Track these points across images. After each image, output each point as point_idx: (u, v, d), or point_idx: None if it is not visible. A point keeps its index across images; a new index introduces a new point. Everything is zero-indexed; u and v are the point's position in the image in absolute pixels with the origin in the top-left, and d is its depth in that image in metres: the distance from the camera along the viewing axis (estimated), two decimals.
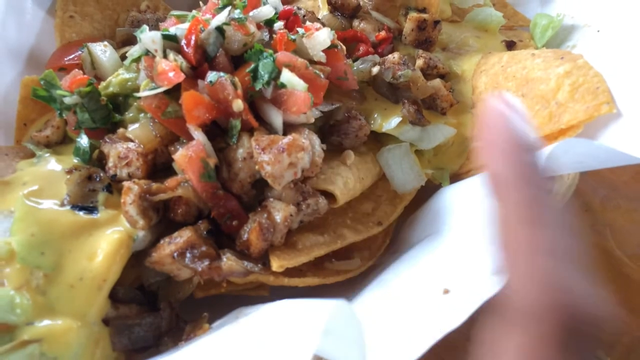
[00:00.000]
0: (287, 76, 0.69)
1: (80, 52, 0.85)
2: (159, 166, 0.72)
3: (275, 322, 0.51)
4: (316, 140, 0.71)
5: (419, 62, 0.87)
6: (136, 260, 0.68)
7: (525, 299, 0.34)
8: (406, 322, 0.54)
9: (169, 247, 0.64)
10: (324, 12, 0.93)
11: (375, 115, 0.81)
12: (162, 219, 0.69)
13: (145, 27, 0.73)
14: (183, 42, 0.72)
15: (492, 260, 0.56)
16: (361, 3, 0.93)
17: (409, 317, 0.55)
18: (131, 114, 0.74)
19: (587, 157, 0.65)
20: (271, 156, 0.66)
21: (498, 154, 0.40)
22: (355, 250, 0.77)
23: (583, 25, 0.98)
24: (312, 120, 0.72)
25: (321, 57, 0.76)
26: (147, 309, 0.67)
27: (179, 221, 0.68)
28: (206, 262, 0.63)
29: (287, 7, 0.86)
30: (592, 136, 0.73)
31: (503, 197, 0.39)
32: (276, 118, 0.69)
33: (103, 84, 0.77)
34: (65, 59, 0.87)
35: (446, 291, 0.57)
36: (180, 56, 0.71)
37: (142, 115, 0.73)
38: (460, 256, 0.61)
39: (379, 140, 0.83)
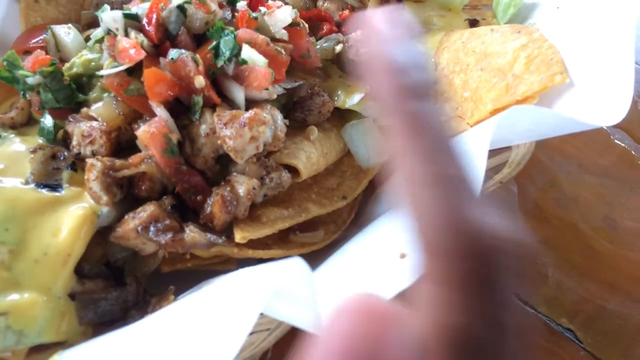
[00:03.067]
0: (247, 52, 0.70)
1: (44, 35, 0.85)
2: (123, 144, 0.73)
3: (229, 286, 0.52)
4: (278, 115, 0.72)
5: None
6: (102, 237, 0.69)
7: (428, 240, 0.30)
8: (361, 284, 0.56)
9: (132, 221, 0.65)
10: None
11: (339, 92, 0.83)
12: (127, 195, 0.70)
13: (106, 6, 0.74)
14: (145, 20, 0.73)
15: None
16: None
17: (364, 280, 0.57)
18: (95, 94, 0.74)
19: (539, 125, 0.67)
20: (233, 131, 0.67)
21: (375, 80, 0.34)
22: (320, 224, 0.79)
23: (543, 2, 1.01)
24: (275, 96, 0.73)
25: (283, 34, 0.77)
26: (113, 284, 0.68)
27: (144, 197, 0.69)
28: (169, 235, 0.64)
29: None
30: (548, 106, 0.75)
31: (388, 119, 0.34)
32: (238, 94, 0.71)
33: (67, 65, 0.77)
34: (30, 42, 0.87)
35: (402, 255, 0.59)
36: (141, 34, 0.72)
37: (105, 94, 0.74)
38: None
39: (343, 117, 0.84)
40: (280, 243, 0.73)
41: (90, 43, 0.78)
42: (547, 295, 0.96)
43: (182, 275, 0.72)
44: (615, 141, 1.23)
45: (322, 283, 0.61)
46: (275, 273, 0.48)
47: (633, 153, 1.22)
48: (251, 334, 0.58)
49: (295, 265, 0.48)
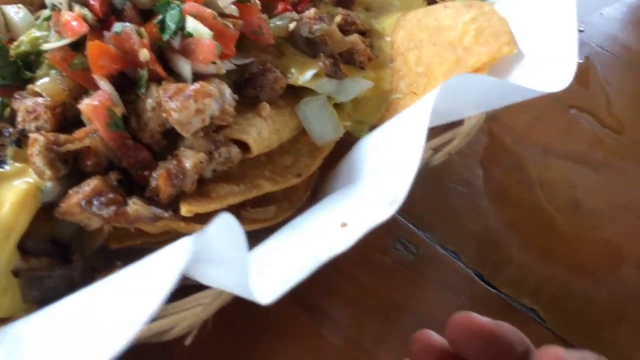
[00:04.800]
0: (191, 24, 0.69)
1: None
2: (70, 120, 0.72)
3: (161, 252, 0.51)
4: (226, 89, 0.71)
5: (337, 19, 0.88)
6: (48, 214, 0.68)
7: None
8: (299, 250, 0.55)
9: (76, 196, 0.64)
10: None
11: (293, 70, 0.82)
12: (74, 171, 0.69)
13: None
14: None
15: (386, 194, 0.58)
16: None
17: (303, 246, 0.56)
18: (42, 71, 0.74)
19: (486, 94, 0.67)
20: (178, 103, 0.66)
21: None
22: (275, 202, 0.78)
23: None
24: (223, 71, 0.73)
25: (233, 10, 0.77)
26: (58, 261, 0.67)
27: (89, 172, 0.68)
28: (113, 209, 0.63)
29: None
30: (498, 77, 0.75)
31: None
32: (184, 67, 0.70)
33: (15, 43, 0.76)
34: None
35: (344, 224, 0.58)
36: (86, 8, 0.71)
37: (53, 71, 0.73)
38: (359, 195, 0.63)
39: (299, 95, 0.84)
40: None
41: (38, 21, 0.77)
42: (511, 276, 0.96)
43: (130, 252, 0.71)
44: (581, 124, 1.24)
45: (263, 252, 0.60)
46: (206, 233, 0.47)
47: (599, 135, 1.22)
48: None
49: (227, 223, 0.46)
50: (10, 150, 0.68)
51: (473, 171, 1.11)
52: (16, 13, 0.81)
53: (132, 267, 0.51)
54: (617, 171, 1.15)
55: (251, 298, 0.48)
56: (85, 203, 0.64)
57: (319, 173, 0.83)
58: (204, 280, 0.55)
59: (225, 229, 0.46)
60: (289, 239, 0.61)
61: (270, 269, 0.53)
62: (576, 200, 1.09)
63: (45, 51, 0.71)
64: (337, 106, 0.84)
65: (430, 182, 1.06)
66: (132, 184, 0.70)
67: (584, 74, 1.37)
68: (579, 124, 1.24)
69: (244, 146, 0.74)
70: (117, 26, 0.68)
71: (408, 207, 1.00)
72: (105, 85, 0.67)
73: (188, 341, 0.52)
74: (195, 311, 0.55)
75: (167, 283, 0.42)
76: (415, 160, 0.56)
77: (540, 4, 0.77)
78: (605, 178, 1.14)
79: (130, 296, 0.44)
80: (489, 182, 1.10)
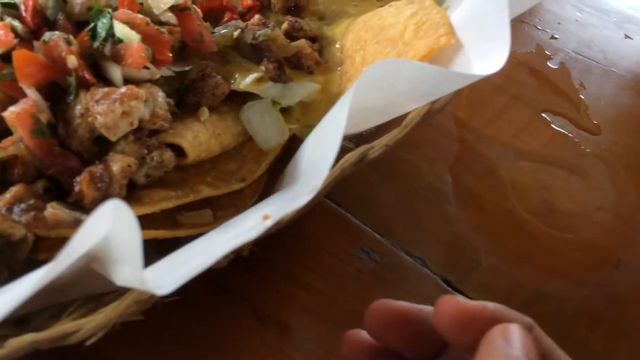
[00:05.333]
0: (119, 29, 0.69)
1: None
2: (1, 132, 0.71)
3: None
4: (159, 92, 0.70)
5: (284, 25, 0.88)
6: None
7: None
8: (213, 242, 0.53)
9: None
10: None
11: (237, 76, 0.81)
12: (2, 182, 0.67)
13: None
14: (22, 8, 0.72)
15: (310, 183, 0.56)
16: None
17: (217, 239, 0.54)
18: None
19: (420, 83, 0.65)
20: (104, 107, 0.65)
21: None
22: (219, 209, 0.76)
23: None
24: (157, 76, 0.72)
25: (169, 17, 0.77)
26: None
27: (17, 182, 0.66)
28: (32, 214, 0.61)
29: None
30: None
31: None
32: (114, 72, 0.69)
33: None
34: None
35: (266, 217, 0.56)
36: (17, 20, 0.71)
37: None
38: (285, 190, 0.61)
39: (245, 101, 0.83)
40: (169, 226, 0.70)
41: None
42: (479, 280, 0.92)
43: None
44: (555, 128, 1.21)
45: (188, 249, 0.58)
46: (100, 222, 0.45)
47: (575, 139, 1.19)
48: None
49: (119, 212, 0.44)
50: None
51: (442, 177, 1.08)
52: None
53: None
54: (592, 172, 1.12)
55: (148, 289, 0.45)
56: (6, 210, 0.62)
57: (265, 177, 0.81)
58: (116, 280, 0.52)
59: (119, 219, 0.44)
60: (209, 237, 0.59)
61: (178, 263, 0.50)
62: (550, 202, 1.06)
63: None
64: (285, 111, 0.82)
65: (395, 190, 1.04)
66: (64, 194, 0.69)
67: (558, 79, 1.35)
68: (554, 128, 1.21)
69: (182, 152, 0.73)
70: (46, 35, 0.68)
71: (372, 215, 0.99)
72: (31, 93, 0.66)
73: (89, 342, 0.49)
74: (105, 311, 0.52)
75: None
76: (334, 147, 0.54)
77: None
78: (581, 179, 1.10)
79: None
80: (458, 188, 1.06)
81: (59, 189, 0.68)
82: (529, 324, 0.46)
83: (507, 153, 1.14)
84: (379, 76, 0.59)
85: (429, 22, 0.74)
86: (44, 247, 0.68)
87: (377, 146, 0.65)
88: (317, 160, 0.62)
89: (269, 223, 0.51)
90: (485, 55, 0.65)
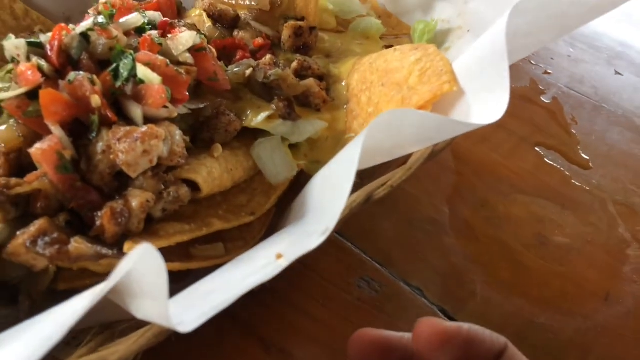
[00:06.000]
0: (141, 70, 0.72)
1: None
2: (26, 166, 0.74)
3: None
4: (177, 131, 0.74)
5: (294, 65, 0.92)
6: None
7: None
8: (229, 280, 0.56)
9: (22, 236, 0.65)
10: (208, 24, 0.99)
11: (248, 113, 0.85)
12: (26, 214, 0.71)
13: (10, 35, 0.77)
14: (47, 47, 0.76)
15: (319, 226, 0.59)
16: (242, 16, 0.99)
17: (233, 277, 0.57)
18: (2, 120, 0.77)
19: (423, 129, 0.69)
20: (126, 145, 0.68)
21: None
22: (229, 241, 0.79)
23: (456, 27, 1.05)
24: (175, 114, 0.75)
25: (187, 58, 0.81)
26: (5, 303, 0.68)
27: (40, 215, 0.70)
28: (56, 247, 0.64)
29: (164, 19, 0.90)
30: (442, 114, 0.78)
31: None
32: (135, 111, 0.73)
33: None
34: None
35: (279, 256, 0.59)
36: (43, 59, 0.74)
37: (12, 120, 0.76)
38: (296, 228, 0.64)
39: (256, 137, 0.86)
40: (183, 258, 0.73)
41: (1, 73, 0.81)
42: (475, 311, 0.96)
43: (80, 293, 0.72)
44: (548, 162, 1.26)
45: (197, 285, 0.61)
46: (127, 262, 0.48)
47: (566, 173, 1.24)
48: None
49: (146, 253, 0.48)
50: None
51: (440, 209, 1.12)
52: None
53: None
54: (583, 206, 1.16)
55: (170, 326, 0.48)
56: (30, 243, 0.65)
57: (274, 211, 0.84)
58: (136, 314, 0.55)
59: (148, 259, 0.48)
60: (225, 272, 0.62)
61: (196, 298, 0.54)
62: (542, 235, 1.10)
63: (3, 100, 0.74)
64: (294, 147, 0.86)
65: (395, 221, 1.08)
66: (85, 227, 0.72)
67: (551, 114, 1.41)
68: (547, 162, 1.26)
69: (196, 186, 0.76)
70: (71, 75, 0.72)
71: (372, 246, 1.02)
72: (55, 130, 0.69)
73: None
74: (127, 344, 0.55)
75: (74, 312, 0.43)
76: (345, 192, 0.58)
77: (479, 46, 0.80)
78: (572, 213, 1.15)
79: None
80: (455, 219, 1.11)
81: (79, 222, 0.71)
82: (503, 344, 0.49)
83: (502, 186, 1.19)
84: (388, 122, 0.63)
85: (432, 68, 0.78)
86: (63, 278, 0.71)
87: (383, 187, 0.68)
88: (327, 199, 0.65)
89: (284, 264, 0.55)
90: (486, 104, 0.69)
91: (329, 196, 0.64)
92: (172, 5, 1.02)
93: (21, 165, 0.74)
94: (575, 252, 1.08)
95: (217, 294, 0.53)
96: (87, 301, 0.44)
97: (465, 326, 0.47)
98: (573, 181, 1.22)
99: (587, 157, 1.29)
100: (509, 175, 1.22)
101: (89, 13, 0.87)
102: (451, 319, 0.94)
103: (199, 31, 0.93)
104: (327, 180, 0.69)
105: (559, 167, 1.25)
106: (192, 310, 0.51)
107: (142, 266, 0.48)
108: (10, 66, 0.81)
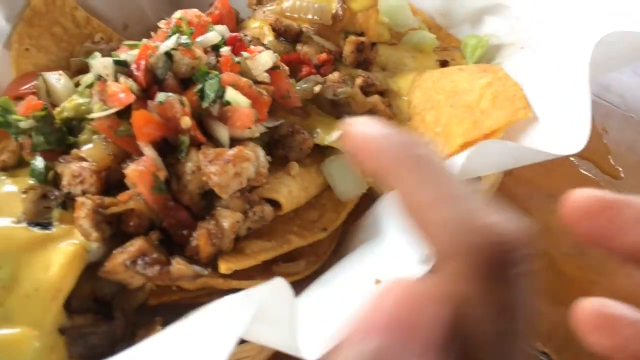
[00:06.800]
0: (231, 94, 0.74)
1: (35, 82, 0.88)
2: (112, 183, 0.76)
3: (210, 311, 0.55)
4: (261, 152, 0.76)
5: (358, 81, 0.94)
6: (90, 273, 0.71)
7: (441, 246, 0.32)
8: (335, 309, 0.59)
9: (121, 256, 0.68)
10: (269, 37, 1.00)
11: (318, 130, 0.87)
12: (116, 232, 0.73)
13: (97, 54, 0.79)
14: (133, 66, 0.77)
15: (418, 252, 0.62)
16: (304, 29, 1.00)
17: (339, 305, 0.60)
18: (85, 136, 0.78)
19: (505, 156, 0.72)
20: (218, 167, 0.71)
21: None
22: (302, 256, 0.82)
23: (508, 44, 1.08)
24: (257, 135, 0.78)
25: (265, 77, 0.82)
26: (101, 318, 0.70)
27: (132, 233, 0.72)
28: (157, 268, 0.67)
29: (234, 34, 0.92)
30: (513, 139, 0.81)
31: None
32: (223, 133, 0.75)
33: (57, 109, 0.81)
34: (22, 88, 0.90)
35: (378, 281, 0.62)
36: (130, 79, 0.76)
37: (95, 136, 0.78)
38: (392, 252, 0.67)
39: (323, 153, 0.89)
40: (264, 273, 0.76)
41: (80, 88, 0.82)
42: None
43: (167, 307, 0.75)
44: (582, 172, 1.30)
45: (300, 310, 0.64)
46: (257, 295, 0.51)
47: (599, 183, 1.28)
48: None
49: (277, 286, 0.50)
50: (56, 212, 0.72)
51: None
52: (57, 80, 0.86)
53: (187, 329, 0.54)
54: None
55: (298, 355, 0.51)
56: (130, 263, 0.67)
57: (341, 226, 0.87)
58: (248, 336, 0.58)
59: (278, 292, 0.50)
60: (328, 295, 0.65)
61: (315, 325, 0.56)
62: (581, 245, 1.14)
63: (90, 119, 0.76)
64: None
65: None
66: (171, 243, 0.74)
67: None
68: (581, 172, 1.29)
69: (274, 203, 0.79)
70: (161, 96, 0.73)
71: None
72: (149, 152, 0.71)
73: None
74: None
75: (226, 349, 0.46)
76: None
77: (551, 68, 0.83)
78: None
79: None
80: None
81: (168, 239, 0.73)
82: None
83: (540, 195, 1.22)
84: (484, 152, 0.66)
85: (505, 93, 0.81)
86: (153, 293, 0.74)
87: None
88: None
89: None
90: (564, 134, 0.72)
91: None
92: (232, 16, 1.03)
93: (108, 182, 0.76)
94: (612, 263, 1.11)
95: (334, 320, 0.56)
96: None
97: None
98: (606, 190, 1.26)
99: (619, 167, 1.33)
100: (545, 185, 1.25)
101: (161, 27, 0.88)
102: None
103: (264, 45, 0.95)
104: None
105: (592, 176, 1.29)
106: (314, 338, 0.54)
107: (271, 298, 0.51)
108: (87, 80, 0.82)
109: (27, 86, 0.91)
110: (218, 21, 0.98)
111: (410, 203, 0.35)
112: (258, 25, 1.03)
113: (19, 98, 0.89)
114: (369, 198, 0.88)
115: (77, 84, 0.88)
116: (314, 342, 0.53)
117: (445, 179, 0.35)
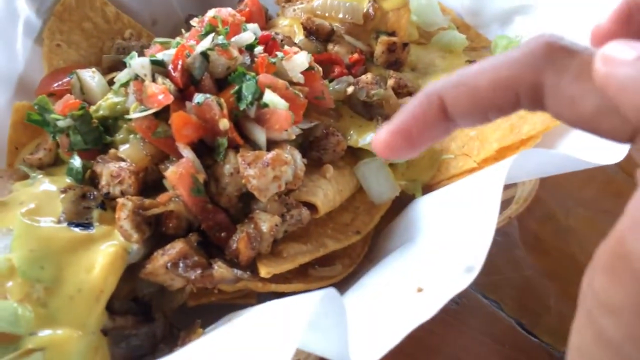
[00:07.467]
0: (269, 96, 0.74)
1: (69, 78, 0.88)
2: (149, 184, 0.76)
3: (262, 320, 0.55)
4: (298, 155, 0.76)
5: (390, 82, 0.93)
6: (129, 273, 0.71)
7: None
8: (382, 317, 0.59)
9: (162, 258, 0.68)
10: (300, 36, 0.99)
11: (351, 132, 0.87)
12: (154, 233, 0.73)
13: (134, 53, 0.78)
14: (170, 66, 0.77)
15: (462, 260, 0.62)
16: (334, 28, 1.00)
17: (385, 313, 0.60)
18: (121, 136, 0.78)
19: (545, 164, 0.72)
20: (257, 170, 0.70)
21: None
22: (336, 258, 0.82)
23: None
24: (294, 137, 0.77)
25: (300, 78, 0.82)
26: (142, 319, 0.71)
27: (171, 234, 0.72)
28: (198, 271, 0.67)
29: (266, 33, 0.91)
30: (550, 145, 0.80)
31: None
32: (260, 135, 0.75)
33: (93, 107, 0.81)
34: (54, 85, 0.90)
35: (420, 289, 0.62)
36: (168, 80, 0.76)
37: (132, 136, 0.78)
38: (433, 258, 0.67)
39: (355, 155, 0.88)
40: (300, 277, 0.76)
41: (115, 87, 0.82)
42: (550, 324, 1.00)
43: (205, 309, 0.75)
44: (609, 176, 1.29)
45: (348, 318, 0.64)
46: (310, 305, 0.51)
47: (627, 186, 1.27)
48: None
49: (330, 297, 0.50)
50: (95, 213, 0.72)
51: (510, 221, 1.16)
52: (92, 77, 0.86)
53: (241, 339, 0.54)
54: None
55: None
56: (172, 265, 0.68)
57: (373, 229, 0.87)
58: (303, 346, 0.58)
59: (329, 302, 0.51)
60: (371, 302, 0.65)
61: (365, 334, 0.56)
62: None
63: (126, 118, 0.76)
64: (392, 165, 0.89)
65: None
66: (208, 244, 0.74)
67: None
68: (608, 175, 1.29)
69: (310, 206, 0.79)
70: (199, 97, 0.73)
71: None
72: (188, 154, 0.71)
73: None
74: None
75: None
76: (490, 229, 0.60)
77: None
78: None
79: None
80: (524, 232, 1.14)
81: (206, 241, 0.74)
82: None
83: (566, 198, 1.22)
84: (526, 159, 0.65)
85: None
86: (192, 295, 0.74)
87: (502, 217, 0.71)
88: (458, 231, 0.67)
89: (438, 304, 0.57)
90: (602, 142, 0.72)
91: (462, 228, 0.67)
92: (261, 13, 1.03)
93: (146, 182, 0.76)
94: None
95: (383, 332, 0.56)
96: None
97: None
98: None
99: None
100: (571, 188, 1.25)
101: (194, 26, 0.88)
102: (528, 332, 0.98)
103: (296, 45, 0.94)
104: (453, 209, 0.72)
105: (619, 179, 1.29)
106: (363, 348, 0.54)
107: (323, 307, 0.51)
108: (121, 78, 0.82)
109: (59, 83, 0.91)
110: (248, 19, 0.97)
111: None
112: (288, 24, 1.02)
113: (52, 94, 0.89)
114: (399, 200, 0.88)
115: (109, 82, 0.88)
116: (364, 351, 0.53)
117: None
